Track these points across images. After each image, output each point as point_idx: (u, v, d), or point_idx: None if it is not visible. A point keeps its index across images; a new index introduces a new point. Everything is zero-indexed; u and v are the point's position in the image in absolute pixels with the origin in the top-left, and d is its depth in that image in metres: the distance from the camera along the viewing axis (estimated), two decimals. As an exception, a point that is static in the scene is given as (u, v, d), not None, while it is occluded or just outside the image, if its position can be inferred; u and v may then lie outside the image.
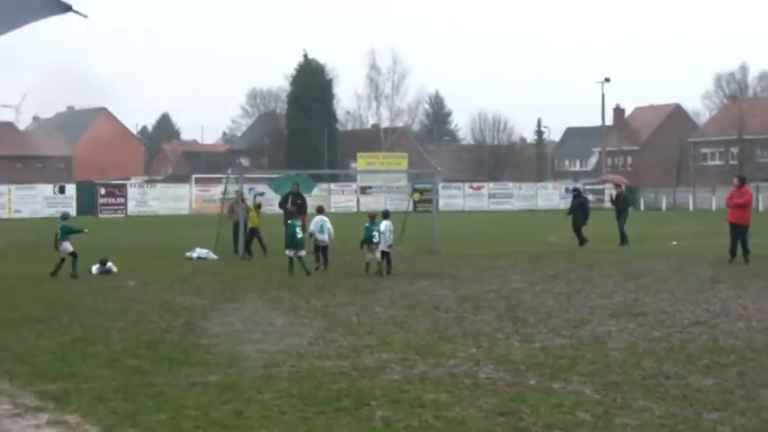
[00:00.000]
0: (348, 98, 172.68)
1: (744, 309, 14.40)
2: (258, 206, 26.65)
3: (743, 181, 24.27)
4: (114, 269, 21.06)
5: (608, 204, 38.70)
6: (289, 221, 21.49)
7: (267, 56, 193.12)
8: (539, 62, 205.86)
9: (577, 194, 32.19)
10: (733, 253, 22.73)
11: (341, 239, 23.90)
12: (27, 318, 14.03)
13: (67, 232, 20.40)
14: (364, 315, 14.08)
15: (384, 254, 20.49)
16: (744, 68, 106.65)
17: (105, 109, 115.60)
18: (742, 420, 7.73)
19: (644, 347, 11.10)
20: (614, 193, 32.95)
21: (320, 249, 21.78)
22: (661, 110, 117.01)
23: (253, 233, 25.58)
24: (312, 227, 21.80)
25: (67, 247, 20.22)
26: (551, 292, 16.75)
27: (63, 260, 20.16)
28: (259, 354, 10.91)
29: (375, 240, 20.15)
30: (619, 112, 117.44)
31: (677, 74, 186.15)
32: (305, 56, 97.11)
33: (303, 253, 20.70)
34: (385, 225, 20.71)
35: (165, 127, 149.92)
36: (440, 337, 11.94)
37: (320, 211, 22.41)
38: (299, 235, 20.77)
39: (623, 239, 29.84)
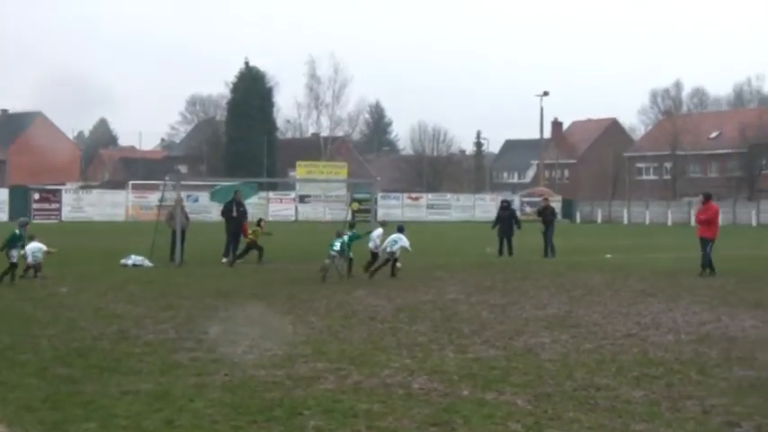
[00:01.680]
0: (288, 107, 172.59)
1: (673, 322, 14.64)
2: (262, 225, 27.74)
3: (708, 197, 25.17)
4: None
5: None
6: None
7: (207, 62, 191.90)
8: (479, 75, 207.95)
9: (506, 206, 32.45)
10: (703, 266, 23.49)
11: (282, 248, 23.91)
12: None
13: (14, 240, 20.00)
14: (300, 324, 14.05)
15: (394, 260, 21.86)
16: (678, 85, 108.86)
17: (41, 113, 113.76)
18: (668, 431, 7.86)
19: (576, 359, 11.23)
20: (541, 205, 33.63)
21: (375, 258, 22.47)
22: (598, 124, 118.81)
23: (250, 245, 26.34)
24: (386, 243, 22.23)
25: (13, 255, 19.81)
26: (486, 303, 16.88)
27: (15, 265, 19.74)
28: (192, 362, 10.82)
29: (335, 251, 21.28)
30: (557, 125, 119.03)
31: (614, 89, 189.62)
32: (246, 63, 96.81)
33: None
34: (398, 236, 22.04)
35: (103, 132, 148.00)
36: (374, 348, 11.95)
37: (401, 230, 22.65)
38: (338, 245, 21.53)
39: (552, 251, 30.45)
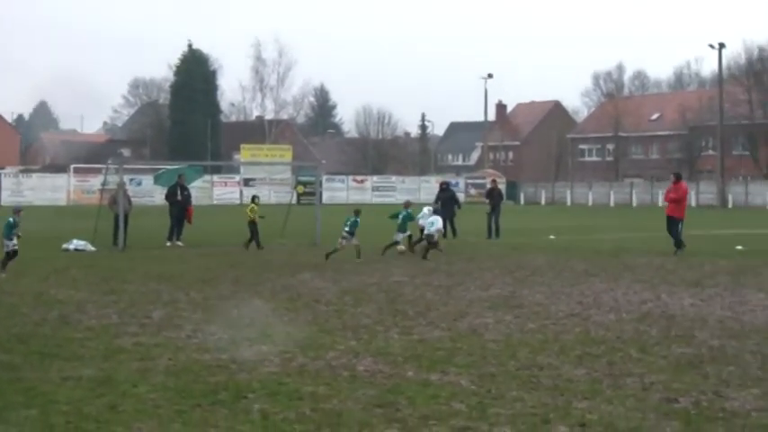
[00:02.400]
0: (232, 90, 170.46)
1: (615, 301, 14.83)
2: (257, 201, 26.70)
3: (678, 177, 26.04)
4: None
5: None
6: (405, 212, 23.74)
7: (150, 45, 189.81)
8: (424, 57, 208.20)
9: (446, 188, 32.60)
10: (678, 245, 24.03)
11: (227, 232, 23.78)
12: None
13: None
14: (245, 308, 13.98)
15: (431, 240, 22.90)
16: (620, 68, 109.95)
17: None
18: (609, 408, 7.96)
19: (519, 339, 11.32)
20: (489, 187, 33.93)
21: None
22: (542, 106, 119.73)
23: (253, 225, 25.64)
24: (422, 221, 23.63)
25: (13, 243, 19.01)
26: (431, 285, 16.94)
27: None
28: (135, 347, 10.72)
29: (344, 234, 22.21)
30: (501, 108, 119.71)
31: (558, 72, 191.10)
32: (189, 45, 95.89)
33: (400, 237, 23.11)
34: (435, 218, 23.36)
35: (43, 116, 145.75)
36: (320, 330, 11.94)
37: (436, 212, 24.41)
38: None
39: (497, 233, 30.82)
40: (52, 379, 9.04)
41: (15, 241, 19.03)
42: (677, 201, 24.82)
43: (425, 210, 24.18)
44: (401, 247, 23.04)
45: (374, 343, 11.03)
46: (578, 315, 13.32)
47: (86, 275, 18.40)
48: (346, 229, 22.21)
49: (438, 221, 23.36)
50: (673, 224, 24.35)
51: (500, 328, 12.19)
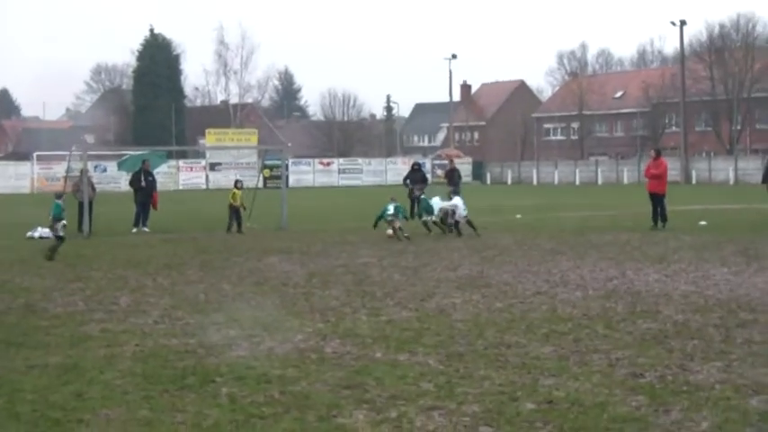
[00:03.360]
0: (196, 74, 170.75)
1: (581, 278, 14.93)
2: (239, 186, 26.31)
3: (658, 153, 26.74)
4: None
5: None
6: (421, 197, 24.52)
7: (111, 30, 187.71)
8: (387, 38, 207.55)
9: (417, 168, 32.54)
10: (655, 220, 24.62)
11: (193, 217, 23.65)
12: None
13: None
14: (212, 293, 13.94)
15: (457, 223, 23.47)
16: (584, 47, 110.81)
17: None
18: (576, 384, 8.02)
19: (487, 318, 11.37)
20: (447, 167, 34.11)
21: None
22: (506, 86, 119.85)
23: (234, 210, 25.33)
24: (447, 205, 23.94)
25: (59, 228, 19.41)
26: (398, 266, 16.96)
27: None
28: (102, 333, 10.66)
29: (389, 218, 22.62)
30: (466, 88, 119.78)
31: (522, 52, 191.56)
32: (151, 30, 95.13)
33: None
34: (458, 200, 23.84)
35: (5, 103, 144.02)
36: (287, 313, 11.93)
37: (456, 193, 25.13)
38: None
39: None
40: (18, 368, 8.96)
41: (61, 227, 19.40)
42: (658, 176, 25.22)
43: (436, 198, 24.35)
44: (390, 232, 22.80)
45: (342, 325, 11.03)
46: (545, 293, 13.40)
47: (52, 263, 18.24)
48: (391, 212, 22.57)
49: (460, 202, 23.82)
50: (657, 200, 24.78)
51: (468, 307, 12.23)
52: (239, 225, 25.07)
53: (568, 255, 18.54)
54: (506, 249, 19.89)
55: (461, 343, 9.84)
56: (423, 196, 24.69)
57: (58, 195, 20.55)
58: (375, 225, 23.43)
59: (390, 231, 22.69)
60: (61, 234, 19.36)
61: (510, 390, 7.87)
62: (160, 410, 7.41)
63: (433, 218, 23.81)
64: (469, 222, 23.46)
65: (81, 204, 25.59)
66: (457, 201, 23.84)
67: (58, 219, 19.45)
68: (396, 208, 22.76)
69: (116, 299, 13.36)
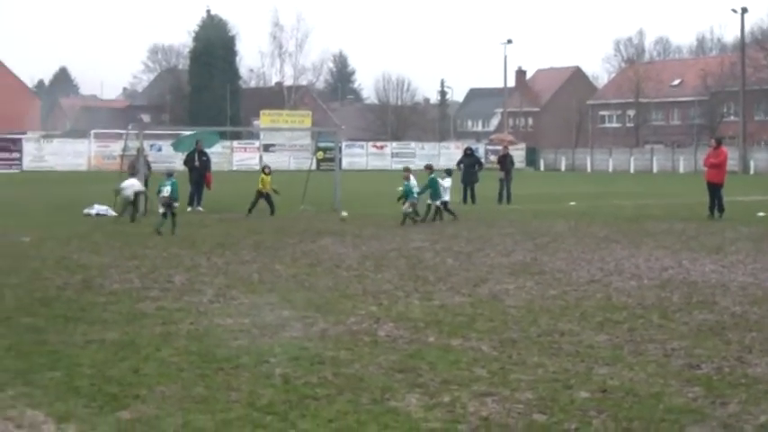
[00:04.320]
0: (252, 56, 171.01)
1: (636, 267, 14.77)
2: (267, 171, 25.86)
3: (719, 142, 26.13)
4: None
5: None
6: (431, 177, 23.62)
7: (169, 11, 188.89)
8: (443, 23, 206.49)
9: (470, 153, 32.48)
10: (711, 210, 24.37)
11: (245, 198, 23.79)
12: None
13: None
14: (265, 273, 14.02)
15: (444, 203, 23.56)
16: (641, 33, 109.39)
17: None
18: (630, 374, 7.95)
19: (540, 305, 11.31)
20: (501, 152, 33.96)
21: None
22: (562, 73, 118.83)
23: (261, 196, 24.90)
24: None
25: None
26: (451, 251, 16.92)
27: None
28: (158, 311, 10.78)
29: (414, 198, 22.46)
30: (521, 74, 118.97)
31: (578, 38, 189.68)
32: (207, 11, 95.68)
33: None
34: (448, 181, 23.90)
35: (63, 81, 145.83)
36: (341, 295, 11.95)
37: (449, 173, 24.81)
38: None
39: (508, 198, 31.03)
40: (76, 342, 9.11)
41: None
42: (717, 166, 24.82)
43: (448, 180, 24.29)
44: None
45: (395, 308, 11.04)
46: (599, 281, 13.29)
47: (108, 240, 18.48)
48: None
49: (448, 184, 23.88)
50: (714, 190, 24.48)
51: (521, 294, 12.17)
52: (272, 209, 24.75)
53: (623, 243, 18.36)
54: (560, 236, 19.75)
55: (514, 329, 9.81)
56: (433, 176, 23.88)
57: (170, 173, 21.02)
58: (398, 200, 23.14)
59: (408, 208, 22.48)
60: (171, 211, 19.85)
61: (564, 378, 7.83)
62: (215, 388, 7.48)
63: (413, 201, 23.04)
64: (441, 208, 23.46)
65: None
66: (447, 182, 23.90)
67: (174, 198, 19.95)
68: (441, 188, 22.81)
69: (171, 277, 13.49)
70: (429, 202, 23.48)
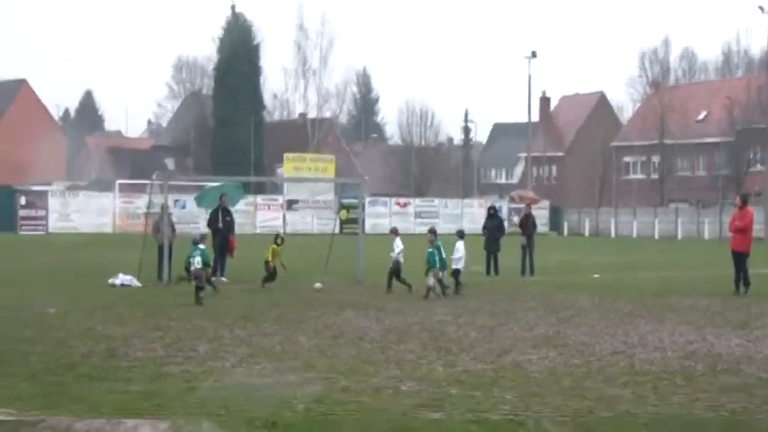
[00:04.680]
0: (275, 74, 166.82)
1: (660, 341, 14.89)
2: (279, 242, 24.46)
3: (744, 201, 23.71)
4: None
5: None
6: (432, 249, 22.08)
7: (194, 16, 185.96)
8: (465, 49, 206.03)
9: (494, 214, 30.43)
10: (737, 284, 22.58)
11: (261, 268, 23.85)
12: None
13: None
14: (288, 344, 14.21)
15: (456, 272, 22.41)
16: (666, 43, 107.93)
17: (25, 81, 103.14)
18: (654, 409, 8.08)
19: (563, 371, 11.52)
20: (522, 212, 32.11)
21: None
22: (586, 101, 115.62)
23: (270, 268, 23.76)
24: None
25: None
26: (474, 324, 16.99)
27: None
28: (182, 373, 11.10)
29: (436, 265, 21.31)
30: (545, 102, 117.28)
31: (603, 55, 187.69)
32: (232, 8, 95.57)
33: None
34: (460, 244, 22.81)
35: (89, 110, 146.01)
36: (363, 362, 12.18)
37: (461, 236, 23.65)
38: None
39: (531, 270, 29.01)
40: (100, 392, 9.49)
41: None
42: (743, 230, 22.63)
43: (459, 243, 23.36)
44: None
45: (418, 372, 11.26)
46: (623, 353, 13.43)
47: (132, 311, 18.64)
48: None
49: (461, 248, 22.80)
50: (740, 260, 22.50)
51: (544, 362, 12.36)
52: (268, 279, 23.67)
53: (647, 318, 18.37)
54: (583, 310, 19.79)
55: (537, 386, 10.07)
56: (438, 243, 22.35)
57: (196, 241, 20.79)
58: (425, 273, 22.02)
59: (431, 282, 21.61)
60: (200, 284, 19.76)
61: (586, 412, 8.03)
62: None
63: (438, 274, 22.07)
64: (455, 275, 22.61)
65: (161, 248, 25.16)
66: (459, 245, 23.01)
67: (206, 264, 20.07)
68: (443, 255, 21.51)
69: (194, 347, 13.69)
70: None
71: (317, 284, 23.33)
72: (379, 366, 11.76)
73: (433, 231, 23.08)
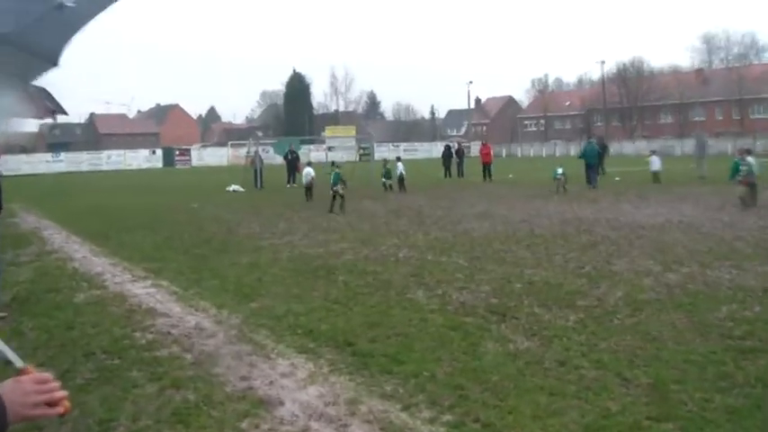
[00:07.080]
0: (319, 95, 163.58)
1: (548, 212, 14.62)
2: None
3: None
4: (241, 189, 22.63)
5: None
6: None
7: (274, 67, 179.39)
8: (434, 62, 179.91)
9: (447, 149, 31.73)
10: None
11: (320, 181, 23.48)
12: (138, 226, 13.75)
13: (337, 179, 17.22)
14: (331, 222, 13.99)
15: (400, 177, 22.19)
16: (546, 75, 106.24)
17: (178, 105, 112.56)
18: (545, 273, 7.89)
19: (493, 236, 11.26)
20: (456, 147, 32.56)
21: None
22: (501, 99, 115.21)
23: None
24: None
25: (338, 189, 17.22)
26: (440, 206, 16.80)
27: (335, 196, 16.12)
28: (270, 245, 10.84)
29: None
30: (478, 101, 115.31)
31: (513, 72, 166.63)
32: (293, 69, 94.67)
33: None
34: (400, 164, 22.80)
35: (213, 114, 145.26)
36: (375, 234, 11.94)
37: (398, 159, 23.81)
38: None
39: (460, 174, 29.45)
40: (225, 264, 9.21)
41: (340, 187, 16.16)
42: None
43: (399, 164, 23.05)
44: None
45: (408, 240, 11.04)
46: (527, 221, 13.20)
47: (240, 205, 18.48)
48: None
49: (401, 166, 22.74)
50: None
51: (482, 229, 12.12)
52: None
53: (540, 199, 18.13)
54: (504, 196, 19.58)
55: (478, 250, 9.80)
56: (388, 166, 22.38)
57: (335, 165, 17.46)
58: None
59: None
60: (341, 192, 16.36)
61: (506, 277, 7.84)
62: (304, 288, 7.56)
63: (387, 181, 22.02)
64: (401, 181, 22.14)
65: (256, 171, 25.94)
66: (399, 165, 22.85)
67: (335, 183, 17.63)
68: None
69: (277, 225, 13.54)
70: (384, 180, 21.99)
71: (234, 187, 23.22)
72: (385, 237, 11.50)
73: (398, 158, 23.90)
